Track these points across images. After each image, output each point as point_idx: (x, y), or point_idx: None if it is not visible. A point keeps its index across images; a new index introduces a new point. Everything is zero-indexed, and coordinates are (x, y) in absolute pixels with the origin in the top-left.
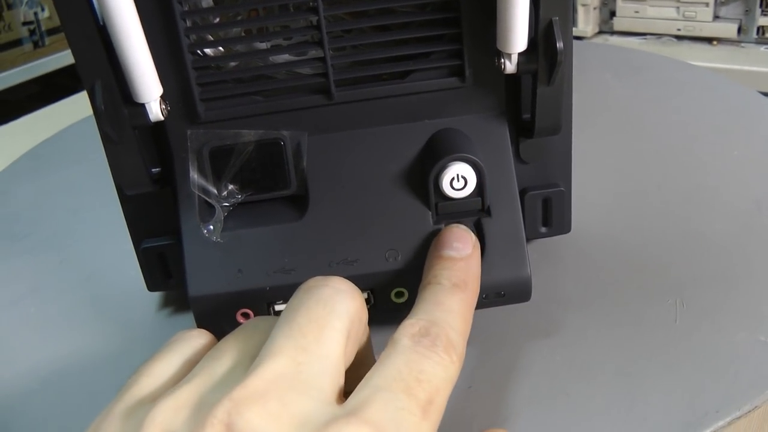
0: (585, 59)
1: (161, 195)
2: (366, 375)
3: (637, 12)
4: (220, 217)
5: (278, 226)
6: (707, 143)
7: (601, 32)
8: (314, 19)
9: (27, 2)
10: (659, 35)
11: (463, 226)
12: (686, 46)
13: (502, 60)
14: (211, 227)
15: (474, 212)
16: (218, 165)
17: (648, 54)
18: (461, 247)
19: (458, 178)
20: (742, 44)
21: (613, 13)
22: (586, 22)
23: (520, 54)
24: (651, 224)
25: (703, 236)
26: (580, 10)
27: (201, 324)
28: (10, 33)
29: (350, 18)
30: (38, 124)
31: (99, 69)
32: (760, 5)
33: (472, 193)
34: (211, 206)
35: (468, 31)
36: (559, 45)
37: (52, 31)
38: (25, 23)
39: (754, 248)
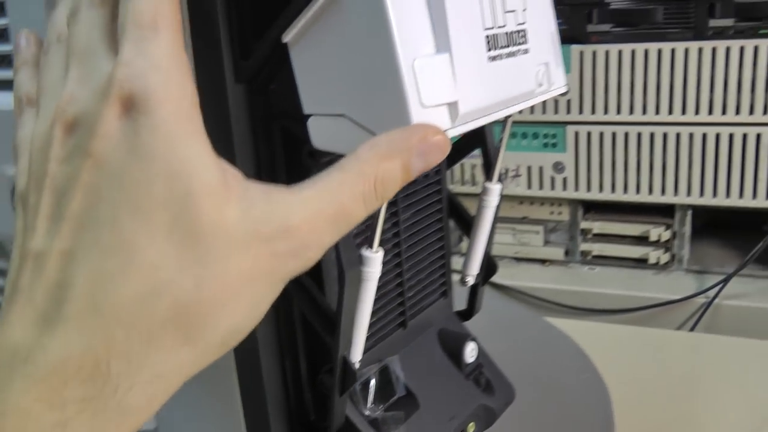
0: None
1: None
2: None
3: None
4: None
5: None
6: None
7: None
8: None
9: None
10: (501, 257)
11: None
12: (523, 266)
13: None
14: None
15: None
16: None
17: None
18: None
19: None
20: (570, 264)
21: (461, 239)
22: None
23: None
24: None
25: None
26: None
27: None
28: None
29: None
30: None
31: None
32: (581, 234)
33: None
34: None
35: None
36: None
37: None
38: None
39: None
